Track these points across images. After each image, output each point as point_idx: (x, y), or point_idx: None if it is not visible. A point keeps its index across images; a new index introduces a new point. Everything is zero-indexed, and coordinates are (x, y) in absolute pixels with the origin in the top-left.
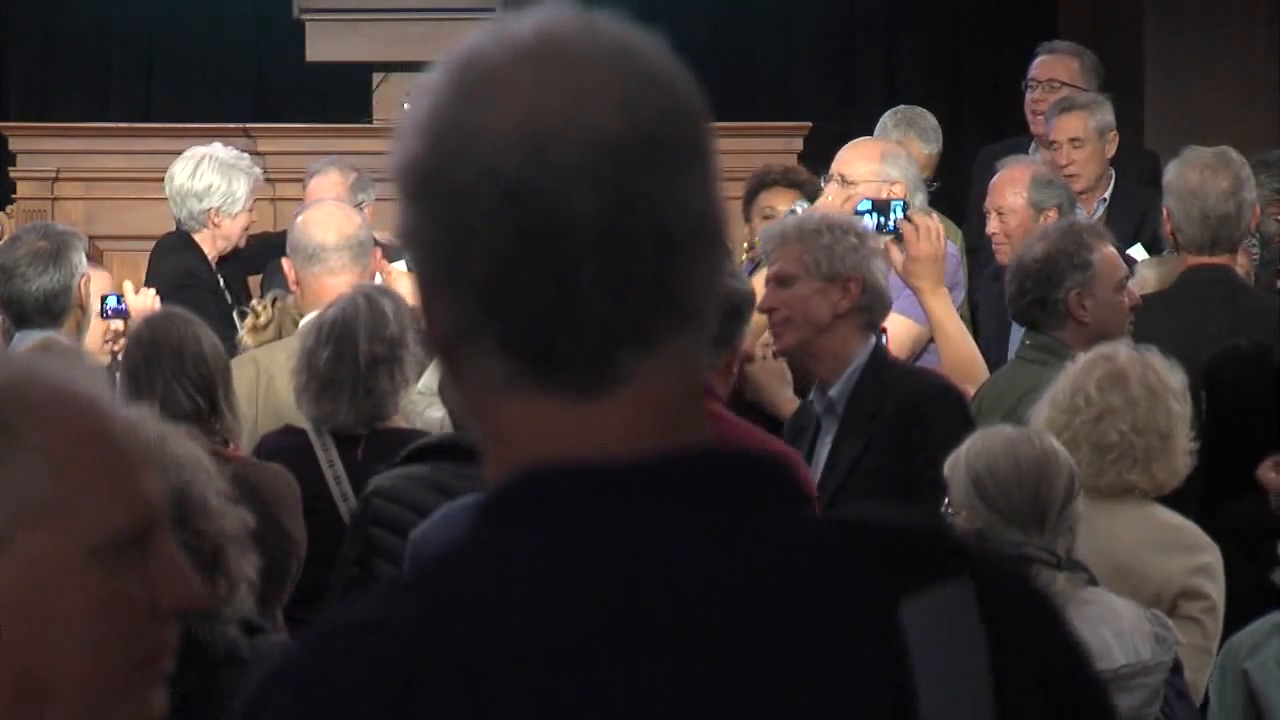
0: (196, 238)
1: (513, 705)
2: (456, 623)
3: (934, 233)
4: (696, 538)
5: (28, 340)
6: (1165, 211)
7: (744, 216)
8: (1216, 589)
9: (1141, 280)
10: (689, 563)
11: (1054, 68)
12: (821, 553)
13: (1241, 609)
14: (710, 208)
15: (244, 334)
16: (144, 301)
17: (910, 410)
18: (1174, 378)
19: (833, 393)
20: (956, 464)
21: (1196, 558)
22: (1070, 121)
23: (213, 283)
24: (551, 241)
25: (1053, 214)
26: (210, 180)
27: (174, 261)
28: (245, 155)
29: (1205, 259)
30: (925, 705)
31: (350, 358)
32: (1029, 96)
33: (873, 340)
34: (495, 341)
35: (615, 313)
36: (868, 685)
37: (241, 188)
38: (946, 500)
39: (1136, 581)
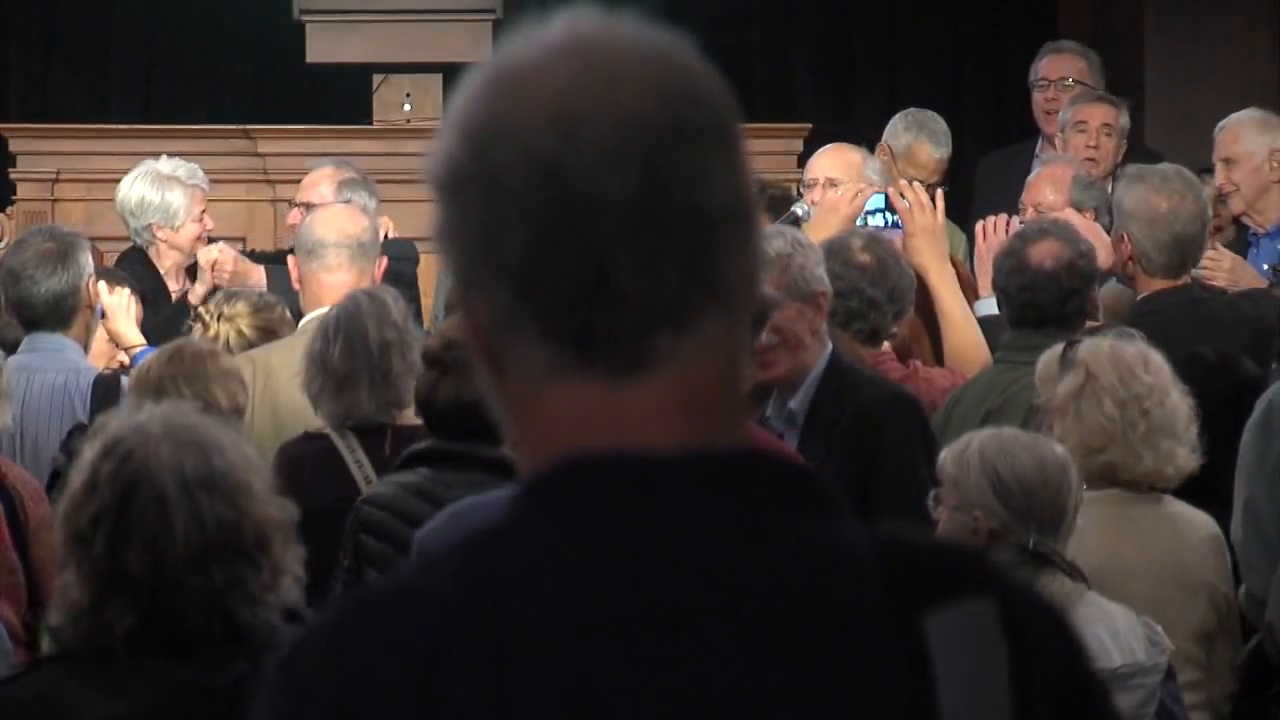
0: (150, 252)
1: (538, 678)
2: (489, 596)
3: (926, 206)
4: (728, 534)
5: (40, 343)
6: (1124, 236)
7: None
8: None
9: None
10: (719, 557)
11: (1065, 66)
12: (850, 559)
13: None
14: (741, 190)
15: None
16: (119, 301)
17: (866, 419)
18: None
19: (792, 404)
20: (967, 463)
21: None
22: (1105, 109)
23: (153, 295)
24: (583, 219)
25: (1090, 215)
26: (143, 194)
27: None
28: (187, 167)
29: (1167, 282)
30: (945, 710)
31: (362, 346)
32: (1041, 96)
33: (829, 348)
34: (535, 327)
35: (649, 291)
36: (888, 688)
37: (177, 199)
38: (933, 494)
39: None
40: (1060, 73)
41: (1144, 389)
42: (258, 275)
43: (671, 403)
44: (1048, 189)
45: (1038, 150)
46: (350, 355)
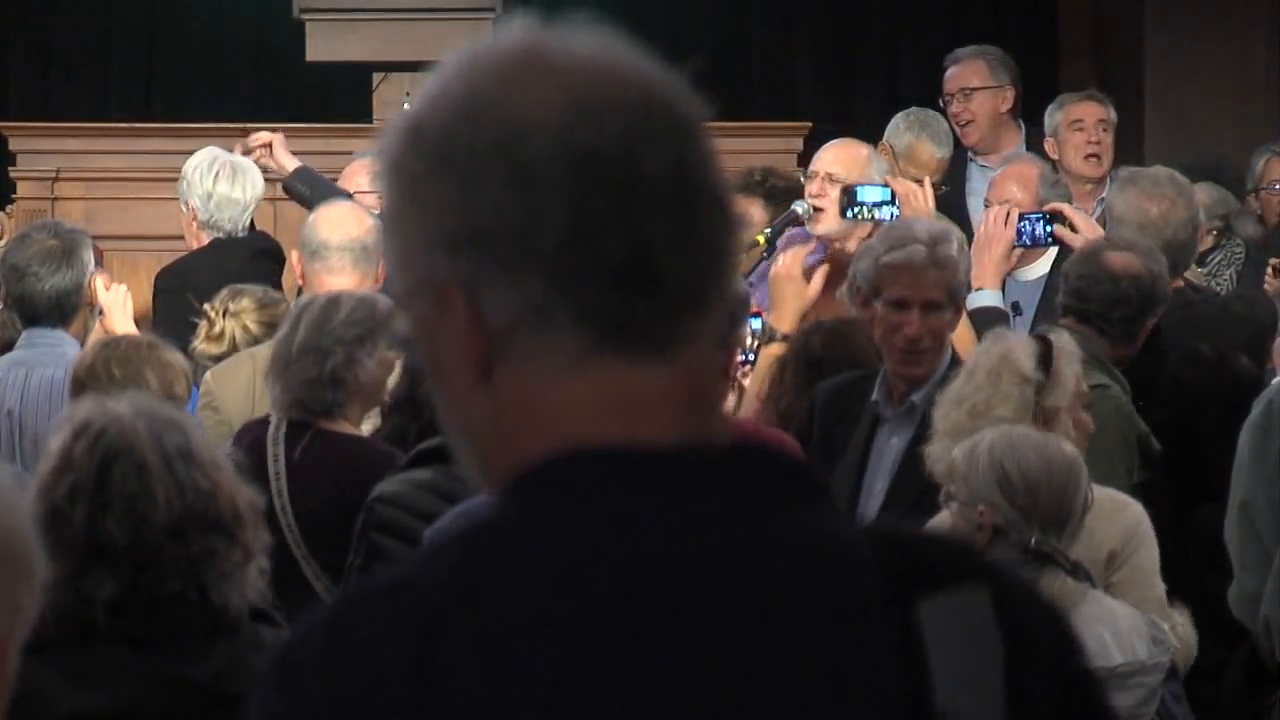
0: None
1: (532, 671)
2: (483, 588)
3: (919, 196)
4: (722, 525)
5: (37, 338)
6: None
7: None
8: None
9: None
10: (714, 548)
11: (963, 76)
12: (844, 549)
13: (1203, 616)
14: (726, 179)
15: (198, 343)
16: (115, 297)
17: None
18: (1028, 360)
19: (916, 398)
20: (977, 459)
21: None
22: (1097, 106)
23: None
24: (625, 203)
25: None
26: None
27: None
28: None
29: None
30: (940, 697)
31: (317, 341)
32: (950, 110)
33: (951, 349)
34: (569, 314)
35: (682, 272)
36: (883, 675)
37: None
38: (945, 490)
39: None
40: (960, 84)
41: (993, 383)
42: (289, 164)
43: (682, 387)
44: (1014, 186)
45: (969, 157)
46: (305, 346)
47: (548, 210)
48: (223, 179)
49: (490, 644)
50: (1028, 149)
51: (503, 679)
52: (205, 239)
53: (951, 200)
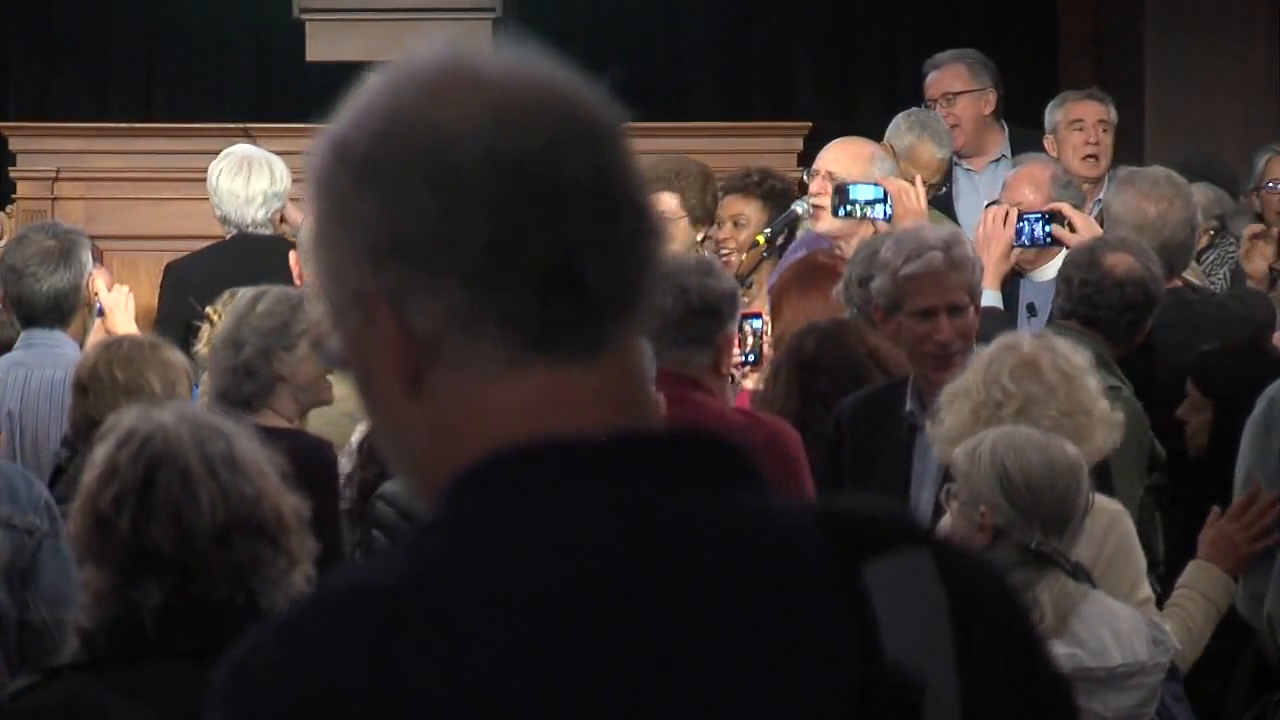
0: None
1: (489, 658)
2: (434, 585)
3: (911, 194)
4: (668, 505)
5: (36, 339)
6: None
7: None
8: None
9: None
10: (661, 528)
11: (944, 81)
12: (787, 522)
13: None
14: (648, 190)
15: (201, 346)
16: (117, 298)
17: None
18: (1079, 356)
19: None
20: (979, 459)
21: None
22: (1098, 106)
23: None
24: (548, 209)
25: None
26: None
27: None
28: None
29: None
30: (890, 649)
31: (233, 338)
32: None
33: (975, 351)
34: (494, 320)
35: (608, 279)
36: (834, 635)
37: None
38: (947, 489)
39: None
40: (942, 89)
41: (1002, 395)
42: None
43: (612, 388)
44: (1027, 188)
45: (954, 161)
46: (224, 338)
47: (469, 217)
48: (226, 174)
49: (446, 635)
50: (1029, 150)
51: (459, 668)
52: (228, 234)
53: (939, 204)
